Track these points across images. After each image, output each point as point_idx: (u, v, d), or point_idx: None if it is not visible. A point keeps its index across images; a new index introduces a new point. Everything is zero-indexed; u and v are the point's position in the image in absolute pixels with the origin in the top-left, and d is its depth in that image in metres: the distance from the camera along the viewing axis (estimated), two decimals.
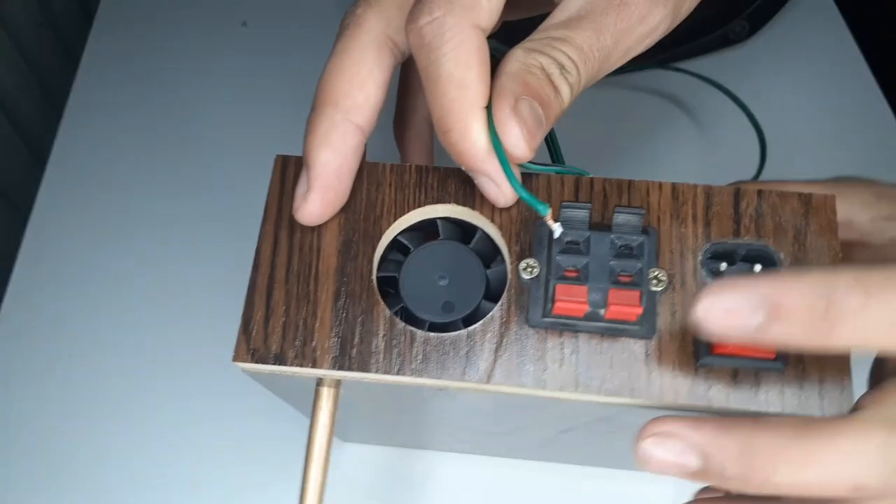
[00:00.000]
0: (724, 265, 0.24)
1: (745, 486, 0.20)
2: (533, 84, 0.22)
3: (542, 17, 0.24)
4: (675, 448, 0.21)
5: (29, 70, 0.59)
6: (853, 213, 0.28)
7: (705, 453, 0.21)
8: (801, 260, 0.24)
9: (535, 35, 0.23)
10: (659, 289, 0.23)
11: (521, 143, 0.22)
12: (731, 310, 0.19)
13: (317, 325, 0.24)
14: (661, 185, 0.25)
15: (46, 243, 0.49)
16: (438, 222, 0.26)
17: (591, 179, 0.25)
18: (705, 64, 0.55)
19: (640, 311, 0.22)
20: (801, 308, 0.19)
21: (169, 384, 0.44)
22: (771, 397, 0.23)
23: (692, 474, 0.21)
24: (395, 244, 0.26)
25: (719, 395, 0.23)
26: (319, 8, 0.58)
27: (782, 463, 0.20)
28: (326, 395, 0.25)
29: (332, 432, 0.25)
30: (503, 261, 0.25)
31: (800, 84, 0.55)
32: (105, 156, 0.53)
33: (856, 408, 0.22)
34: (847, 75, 0.56)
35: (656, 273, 0.23)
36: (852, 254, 0.29)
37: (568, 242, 0.24)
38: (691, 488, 0.41)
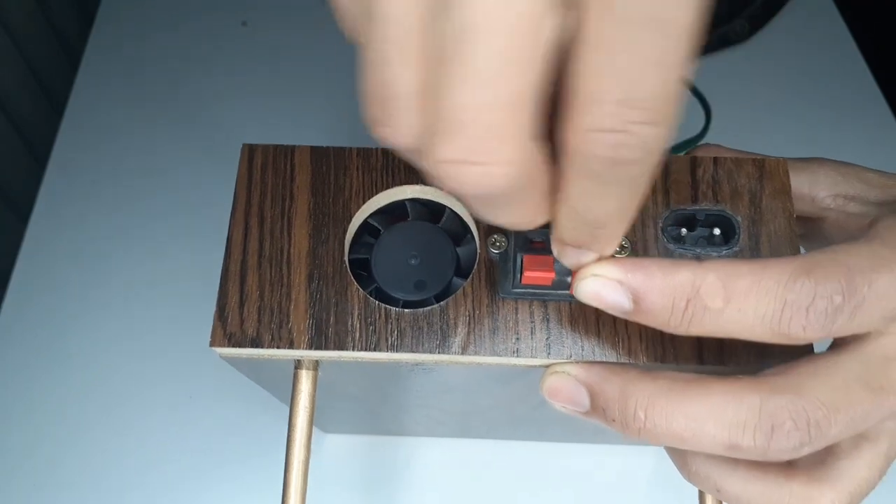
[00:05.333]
0: (684, 230, 0.25)
1: (625, 430, 0.21)
2: None
3: None
4: (569, 384, 0.23)
5: (29, 70, 0.59)
6: (817, 189, 0.29)
7: (592, 393, 0.22)
8: (758, 222, 0.25)
9: None
10: (622, 255, 0.24)
11: None
12: (605, 294, 0.20)
13: (292, 307, 0.24)
14: None
15: (46, 243, 0.49)
16: (407, 203, 0.26)
17: None
18: (705, 64, 0.55)
19: None
20: (663, 306, 0.20)
21: (168, 384, 0.44)
22: (735, 355, 0.24)
23: (586, 414, 0.23)
24: (365, 227, 0.26)
25: (687, 354, 0.24)
26: (319, 8, 0.59)
27: (654, 412, 0.21)
28: (305, 377, 0.25)
29: (313, 414, 0.25)
30: (473, 238, 0.26)
31: (800, 84, 0.56)
32: (105, 156, 0.53)
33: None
34: (847, 75, 0.57)
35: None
36: (811, 227, 0.30)
37: None
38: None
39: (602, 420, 0.22)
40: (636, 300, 0.20)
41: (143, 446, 0.43)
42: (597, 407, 0.22)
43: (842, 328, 0.20)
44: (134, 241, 0.49)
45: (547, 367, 0.24)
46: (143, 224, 0.50)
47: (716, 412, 0.20)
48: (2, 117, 0.56)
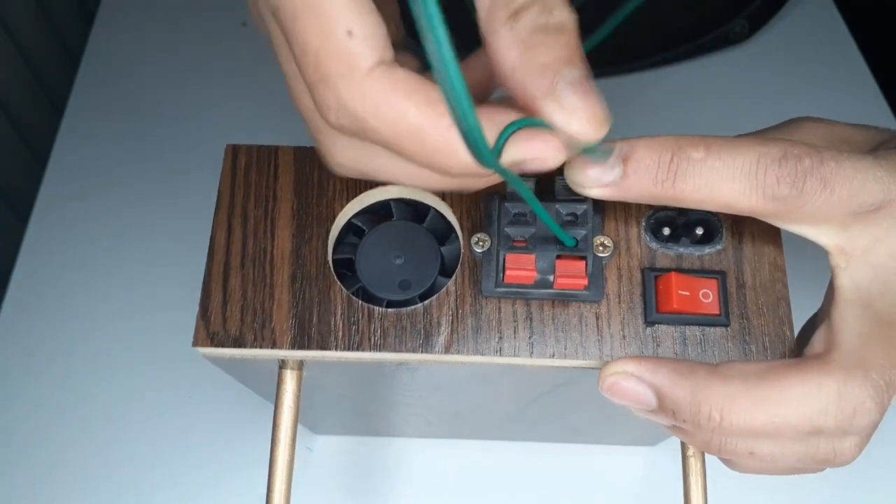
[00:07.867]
0: (666, 230, 0.25)
1: (697, 430, 0.21)
2: None
3: None
4: (632, 385, 0.22)
5: (29, 70, 0.59)
6: (805, 140, 0.29)
7: (660, 395, 0.22)
8: (741, 223, 0.25)
9: None
10: (605, 255, 0.24)
11: None
12: (594, 165, 0.21)
13: (274, 307, 0.24)
14: None
15: (46, 243, 0.50)
16: (392, 203, 0.26)
17: None
18: (705, 64, 0.55)
19: (585, 282, 0.23)
20: (650, 159, 0.21)
21: (167, 384, 0.44)
22: (718, 354, 0.24)
23: (650, 412, 0.22)
24: (350, 227, 0.26)
25: (668, 354, 0.24)
26: None
27: (731, 413, 0.21)
28: (290, 377, 0.25)
29: (297, 415, 0.25)
30: (457, 238, 0.26)
31: (800, 84, 0.56)
32: (105, 156, 0.53)
33: (808, 347, 0.23)
34: (847, 75, 0.57)
35: (602, 240, 0.24)
36: None
37: (515, 214, 0.24)
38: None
39: (671, 420, 0.22)
40: (625, 170, 0.21)
41: (141, 445, 0.43)
42: (665, 408, 0.22)
43: (813, 197, 0.20)
44: (134, 242, 0.49)
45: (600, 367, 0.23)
46: (143, 224, 0.50)
47: (796, 405, 0.20)
48: (2, 117, 0.56)
